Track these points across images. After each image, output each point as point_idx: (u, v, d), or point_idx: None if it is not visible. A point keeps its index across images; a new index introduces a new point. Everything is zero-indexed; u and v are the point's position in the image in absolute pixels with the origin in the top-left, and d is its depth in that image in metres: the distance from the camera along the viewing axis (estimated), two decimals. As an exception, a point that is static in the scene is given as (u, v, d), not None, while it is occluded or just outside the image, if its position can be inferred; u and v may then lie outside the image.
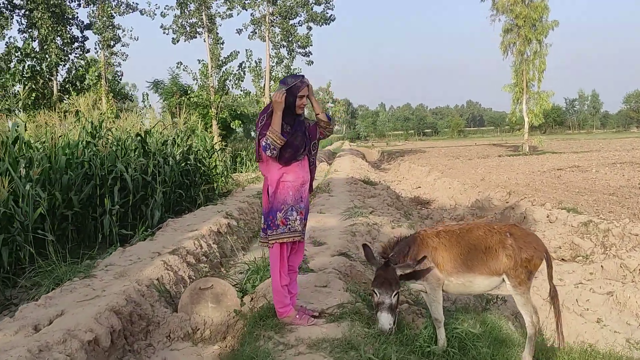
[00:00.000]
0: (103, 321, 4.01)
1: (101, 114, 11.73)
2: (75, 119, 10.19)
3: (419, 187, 19.03)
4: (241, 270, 5.90)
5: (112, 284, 4.92)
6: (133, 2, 21.71)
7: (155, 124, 10.47)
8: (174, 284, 5.46)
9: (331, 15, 24.01)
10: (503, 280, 4.11)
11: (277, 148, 3.84)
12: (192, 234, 7.15)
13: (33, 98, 18.49)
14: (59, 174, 8.01)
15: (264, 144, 3.85)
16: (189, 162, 12.00)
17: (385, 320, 3.75)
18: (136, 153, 10.10)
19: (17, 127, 7.82)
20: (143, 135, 10.08)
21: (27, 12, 19.79)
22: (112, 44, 20.92)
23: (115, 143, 9.95)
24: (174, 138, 11.45)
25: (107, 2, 20.79)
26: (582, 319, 6.21)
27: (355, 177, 15.98)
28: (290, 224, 3.97)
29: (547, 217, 10.38)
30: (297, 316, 4.02)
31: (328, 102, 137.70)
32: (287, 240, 3.99)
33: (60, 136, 9.29)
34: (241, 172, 19.69)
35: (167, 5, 21.64)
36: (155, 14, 22.25)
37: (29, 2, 19.48)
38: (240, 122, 23.30)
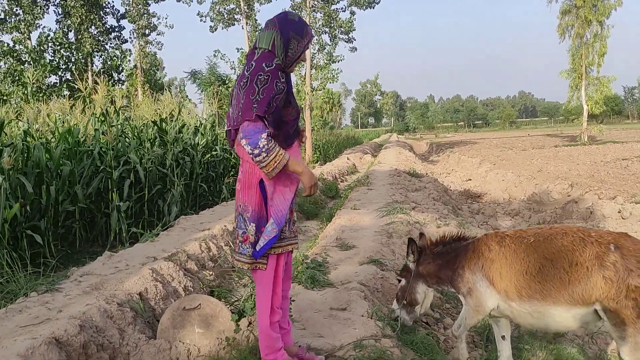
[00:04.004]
0: (35, 358, 2.96)
1: (125, 104, 10.91)
2: (83, 105, 9.32)
3: (470, 179, 17.64)
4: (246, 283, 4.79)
5: (75, 302, 3.88)
6: (169, -11, 21.02)
7: (170, 110, 9.47)
8: (161, 298, 4.38)
9: (376, -3, 22.70)
10: (596, 313, 2.82)
11: (264, 164, 2.59)
12: (200, 235, 6.10)
13: (66, 88, 18.05)
14: (56, 165, 7.11)
15: (262, 144, 2.53)
16: (215, 152, 11.03)
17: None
18: (153, 143, 9.18)
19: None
20: (159, 124, 9.11)
21: (61, 2, 19.39)
22: (147, 32, 20.29)
23: (130, 132, 9.05)
24: (196, 127, 10.48)
25: (142, -12, 20.15)
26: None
27: (399, 169, 14.66)
28: (281, 230, 2.78)
29: (619, 212, 9.03)
30: (291, 364, 2.84)
31: (376, 95, 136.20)
32: (288, 249, 2.83)
33: (71, 125, 8.47)
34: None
35: (203, -9, 20.70)
36: (192, 1, 21.49)
37: (62, -10, 19.08)
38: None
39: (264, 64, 2.63)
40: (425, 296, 3.51)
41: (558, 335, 3.89)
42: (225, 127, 2.90)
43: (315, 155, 21.53)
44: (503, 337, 3.27)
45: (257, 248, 2.71)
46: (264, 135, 2.55)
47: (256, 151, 2.53)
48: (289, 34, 2.70)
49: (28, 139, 7.44)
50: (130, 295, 4.15)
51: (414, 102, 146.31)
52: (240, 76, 2.74)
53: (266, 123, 2.59)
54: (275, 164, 2.58)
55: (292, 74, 3.05)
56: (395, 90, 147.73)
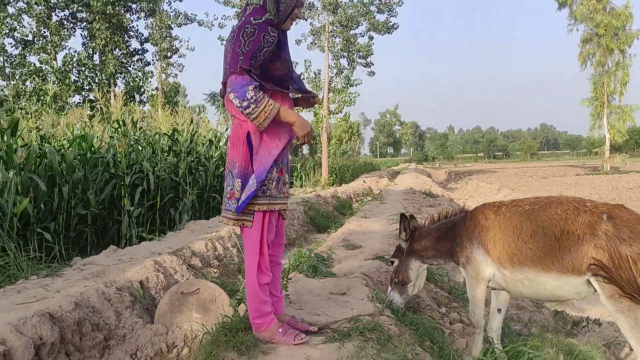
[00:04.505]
0: (26, 330, 2.92)
1: (143, 117, 11.07)
2: (100, 116, 9.48)
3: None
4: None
5: (75, 286, 3.86)
6: (191, 14, 21.54)
7: (183, 122, 9.58)
8: (162, 288, 4.32)
9: (394, 23, 22.94)
10: (589, 285, 2.70)
11: (254, 116, 2.58)
12: (207, 236, 6.06)
13: (89, 108, 18.44)
14: (69, 169, 7.20)
15: (250, 95, 2.51)
16: (228, 165, 11.08)
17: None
18: (168, 153, 9.27)
19: (11, 110, 7.08)
20: (172, 134, 9.22)
21: (87, 25, 19.99)
22: (168, 54, 20.74)
23: (144, 141, 9.15)
24: (210, 139, 10.57)
25: (165, 12, 20.67)
26: None
27: (414, 189, 14.53)
28: (266, 186, 2.73)
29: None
30: (281, 330, 2.74)
31: (395, 125, 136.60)
32: (275, 207, 2.76)
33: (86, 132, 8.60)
34: (292, 182, 18.71)
35: (224, 15, 21.16)
36: (213, 25, 21.96)
37: (89, 14, 19.67)
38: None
39: (252, 18, 2.65)
40: (418, 274, 3.45)
41: (569, 326, 3.74)
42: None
43: (331, 178, 21.48)
44: (499, 310, 3.20)
45: (239, 203, 2.67)
46: (251, 87, 2.54)
47: (245, 103, 2.52)
48: None
49: (44, 143, 7.56)
50: (131, 282, 4.11)
51: (433, 132, 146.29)
52: (230, 31, 2.75)
53: (253, 76, 2.57)
54: (266, 115, 2.56)
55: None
56: (415, 120, 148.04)
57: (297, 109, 3.12)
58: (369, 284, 3.79)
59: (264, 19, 2.65)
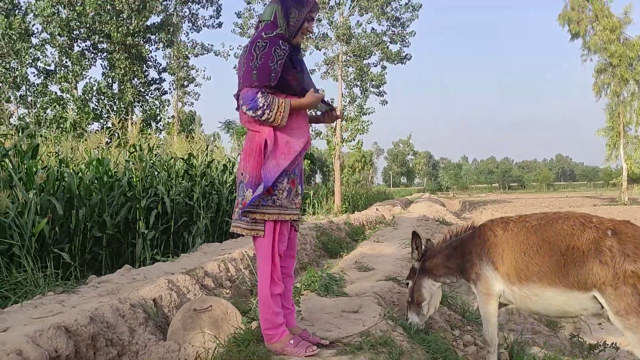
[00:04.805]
0: (42, 342, 2.97)
1: (159, 145, 11.26)
2: (117, 141, 9.69)
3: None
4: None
5: (90, 301, 3.90)
6: (208, 44, 22.04)
7: (198, 147, 9.75)
8: (175, 307, 4.35)
9: (407, 54, 23.23)
10: (596, 300, 2.70)
11: (271, 119, 2.71)
12: (220, 257, 6.10)
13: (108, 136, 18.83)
14: (86, 191, 7.33)
15: (261, 103, 2.65)
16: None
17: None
18: (182, 177, 9.40)
19: (32, 135, 7.27)
20: (188, 158, 9.36)
21: (107, 55, 20.54)
22: (185, 83, 21.17)
23: (159, 165, 9.30)
24: (224, 164, 10.71)
25: (182, 43, 21.18)
26: None
27: (428, 217, 14.49)
28: (276, 195, 2.78)
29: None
30: (292, 342, 2.75)
31: (408, 154, 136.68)
32: (285, 217, 2.81)
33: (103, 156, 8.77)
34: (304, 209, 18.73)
35: (239, 45, 21.60)
36: (229, 55, 22.42)
37: (109, 45, 20.24)
38: (309, 161, 22.57)
39: (263, 33, 2.77)
40: (432, 293, 3.45)
41: (585, 351, 3.69)
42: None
43: (343, 205, 21.49)
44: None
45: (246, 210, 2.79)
46: (259, 95, 2.65)
47: (259, 112, 2.63)
48: (289, 3, 2.82)
49: (62, 166, 7.72)
50: (145, 300, 4.15)
51: (447, 162, 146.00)
52: (243, 47, 2.87)
53: (263, 87, 2.68)
54: (282, 113, 2.70)
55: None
56: (428, 150, 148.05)
57: (319, 124, 3.24)
58: (381, 303, 3.79)
59: (274, 33, 2.77)
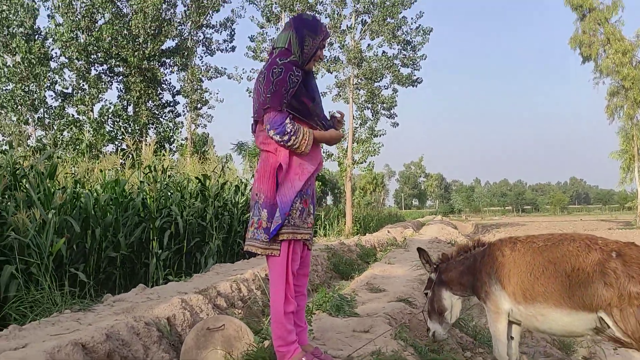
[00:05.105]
0: (60, 358, 3.04)
1: (172, 165, 11.43)
2: (131, 162, 9.86)
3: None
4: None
5: (105, 319, 3.98)
6: (221, 67, 22.43)
7: (213, 168, 9.89)
8: (188, 326, 4.41)
9: (418, 77, 23.43)
10: (602, 321, 2.72)
11: (296, 146, 2.83)
12: (232, 277, 6.16)
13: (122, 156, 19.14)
14: (102, 212, 7.46)
15: (289, 129, 2.76)
16: (254, 211, 11.28)
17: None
18: (196, 198, 9.52)
19: (50, 157, 7.43)
20: (202, 179, 9.50)
21: (123, 78, 20.96)
22: (198, 106, 21.50)
23: (172, 186, 9.43)
24: (237, 185, 10.83)
25: (197, 67, 21.56)
26: None
27: (440, 239, 14.46)
28: (290, 215, 2.86)
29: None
30: (304, 359, 2.80)
31: (420, 177, 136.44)
32: (298, 237, 2.88)
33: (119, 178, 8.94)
34: (315, 231, 18.77)
35: (252, 69, 21.94)
36: (242, 78, 22.77)
37: (125, 68, 20.67)
38: (320, 183, 22.66)
39: (278, 59, 2.88)
40: (453, 303, 3.52)
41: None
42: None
43: (355, 227, 21.49)
44: (512, 338, 3.26)
45: (270, 232, 2.84)
46: (287, 120, 2.77)
47: (286, 137, 2.75)
48: (304, 31, 2.93)
49: (78, 187, 7.88)
50: (159, 318, 4.22)
51: (459, 184, 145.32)
52: (259, 73, 2.97)
53: (288, 110, 2.80)
54: (306, 142, 2.82)
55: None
56: (440, 172, 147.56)
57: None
58: (392, 324, 3.82)
59: (289, 60, 2.88)
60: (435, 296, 3.55)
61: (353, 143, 22.16)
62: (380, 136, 22.48)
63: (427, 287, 3.72)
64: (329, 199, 38.52)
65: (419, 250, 3.75)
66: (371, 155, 21.94)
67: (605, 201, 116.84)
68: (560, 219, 58.21)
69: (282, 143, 2.80)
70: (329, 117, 3.13)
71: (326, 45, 3.08)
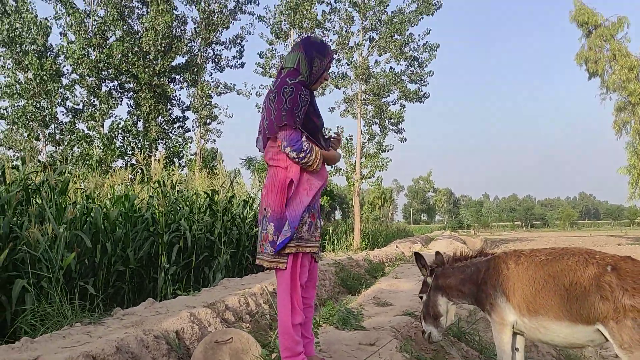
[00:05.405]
0: (71, 369, 3.10)
1: (181, 180, 11.54)
2: (141, 177, 9.98)
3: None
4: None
5: (115, 332, 4.04)
6: (231, 83, 22.68)
7: (222, 183, 9.99)
8: (196, 339, 4.47)
9: (425, 92, 23.55)
10: (601, 333, 2.78)
11: (309, 163, 2.96)
12: (240, 292, 6.21)
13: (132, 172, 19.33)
14: (111, 227, 7.56)
15: (305, 146, 2.89)
16: (262, 226, 11.35)
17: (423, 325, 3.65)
18: (204, 212, 9.61)
19: (62, 172, 7.56)
20: (211, 194, 9.60)
21: (134, 94, 21.24)
22: (208, 121, 21.71)
23: (181, 201, 9.53)
24: (245, 200, 10.91)
25: (206, 83, 21.82)
26: None
27: (448, 254, 14.40)
28: (299, 230, 2.93)
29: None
30: (311, 370, 2.85)
31: (429, 192, 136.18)
32: (305, 250, 2.94)
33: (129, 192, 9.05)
34: (324, 245, 18.77)
35: (261, 85, 22.17)
36: (251, 94, 22.99)
37: (136, 85, 20.96)
38: (328, 197, 22.72)
39: (287, 79, 2.98)
40: (448, 309, 3.57)
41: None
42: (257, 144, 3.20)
43: (363, 242, 21.48)
44: (517, 349, 3.31)
45: (276, 245, 2.91)
46: (303, 138, 2.89)
47: (302, 154, 2.86)
48: (313, 53, 3.04)
49: (89, 202, 7.99)
50: (167, 332, 4.28)
51: (468, 199, 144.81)
52: (268, 92, 3.07)
53: (302, 130, 2.91)
54: (318, 160, 2.95)
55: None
56: (449, 187, 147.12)
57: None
58: (397, 337, 3.86)
59: (297, 80, 2.98)
60: (431, 301, 3.62)
61: (361, 158, 22.23)
62: (388, 151, 22.55)
63: (422, 291, 3.79)
64: (338, 214, 38.55)
65: (416, 254, 3.84)
66: (379, 170, 22.00)
67: (615, 216, 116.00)
68: (569, 234, 57.79)
69: (297, 160, 2.90)
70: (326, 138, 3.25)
71: (330, 67, 3.19)
